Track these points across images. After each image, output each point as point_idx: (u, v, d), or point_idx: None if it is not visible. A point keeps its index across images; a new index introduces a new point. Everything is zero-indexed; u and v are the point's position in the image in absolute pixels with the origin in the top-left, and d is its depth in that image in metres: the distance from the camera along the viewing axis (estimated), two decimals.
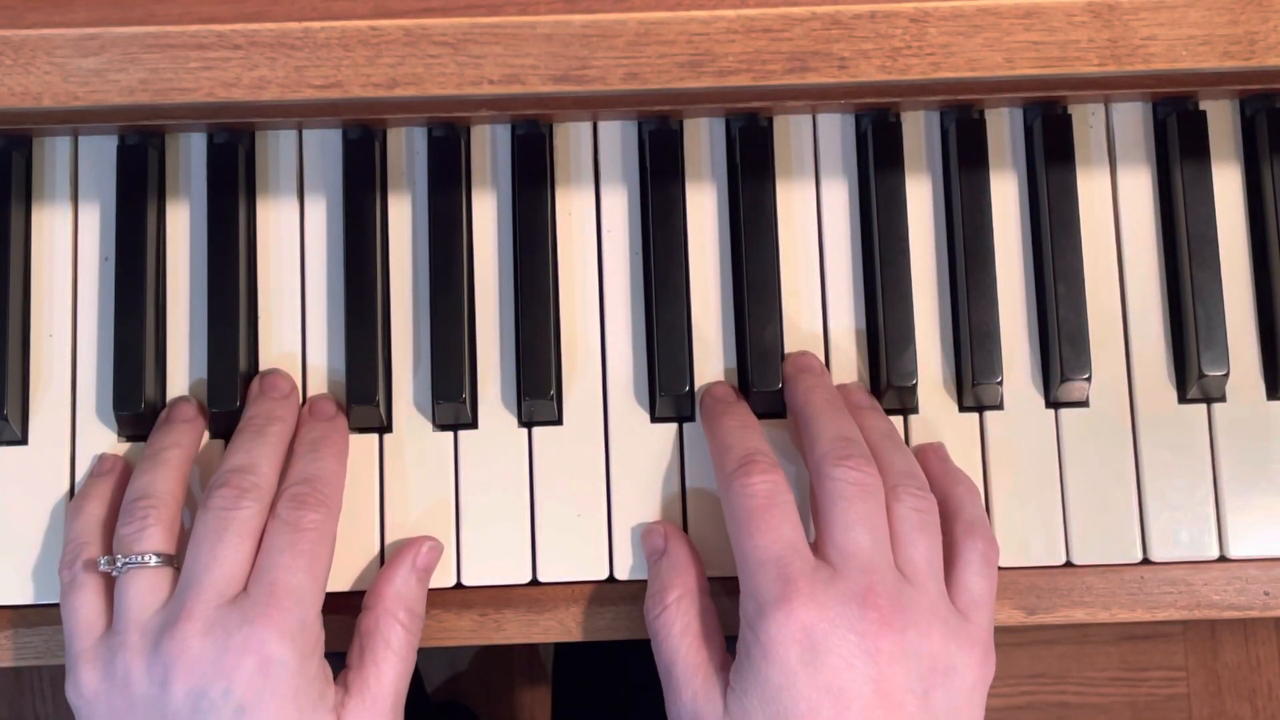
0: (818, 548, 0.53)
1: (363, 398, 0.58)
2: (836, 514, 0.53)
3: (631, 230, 0.61)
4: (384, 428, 0.59)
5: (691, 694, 0.53)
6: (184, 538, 0.56)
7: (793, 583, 0.51)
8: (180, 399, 0.59)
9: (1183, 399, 0.60)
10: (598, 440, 0.59)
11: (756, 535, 0.53)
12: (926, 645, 0.52)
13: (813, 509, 0.55)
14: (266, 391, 0.59)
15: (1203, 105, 0.61)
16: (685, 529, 0.59)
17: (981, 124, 0.61)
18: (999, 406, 0.60)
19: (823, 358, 0.60)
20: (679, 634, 0.54)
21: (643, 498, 0.59)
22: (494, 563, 0.59)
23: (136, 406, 0.58)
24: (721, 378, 0.60)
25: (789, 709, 0.50)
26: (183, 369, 0.60)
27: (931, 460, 0.58)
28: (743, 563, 0.53)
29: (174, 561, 0.54)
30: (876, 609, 0.51)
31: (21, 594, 0.58)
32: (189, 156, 0.61)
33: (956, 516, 0.56)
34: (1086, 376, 0.58)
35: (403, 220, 0.61)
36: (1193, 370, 0.59)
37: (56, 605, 0.56)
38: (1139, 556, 0.59)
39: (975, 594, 0.55)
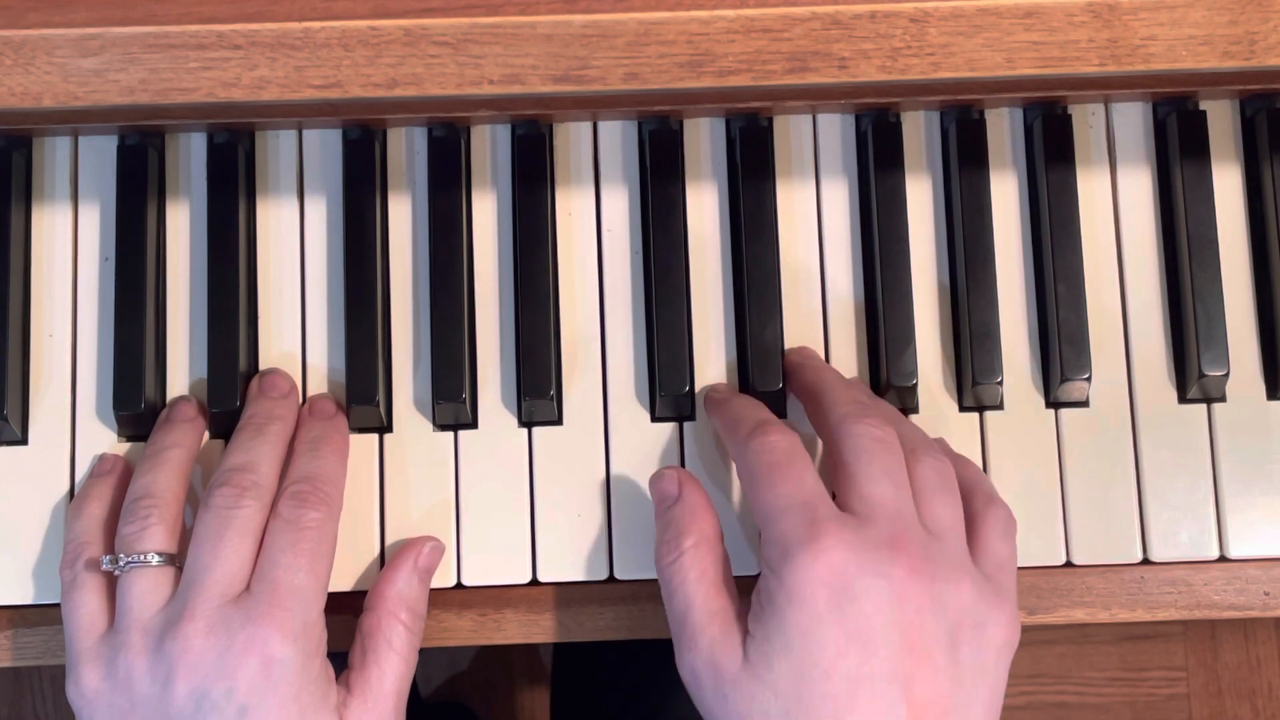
0: (841, 502, 0.52)
1: (363, 398, 0.58)
2: (861, 466, 0.52)
3: (631, 230, 0.61)
4: (384, 428, 0.59)
5: (709, 640, 0.51)
6: (185, 537, 0.56)
7: (820, 524, 0.50)
8: (180, 398, 0.59)
9: (1183, 399, 0.60)
10: (598, 440, 0.59)
11: (780, 484, 0.52)
12: (955, 599, 0.50)
13: (834, 467, 0.54)
14: (266, 391, 0.59)
15: (1203, 105, 0.61)
16: None
17: (981, 124, 0.61)
18: (999, 406, 0.60)
19: (823, 357, 0.60)
20: (695, 580, 0.52)
21: (643, 498, 0.59)
22: (494, 562, 0.59)
23: (136, 406, 0.58)
24: (722, 378, 0.60)
25: (815, 654, 0.49)
26: (183, 369, 0.60)
27: None
28: (765, 512, 0.52)
29: (176, 561, 0.54)
30: (907, 553, 0.50)
31: (21, 594, 0.58)
32: (189, 156, 0.61)
33: (974, 490, 0.56)
34: (1086, 376, 0.58)
35: (403, 220, 0.61)
36: (1193, 370, 0.59)
37: (56, 605, 0.56)
38: (1139, 556, 0.59)
39: (1001, 556, 0.54)
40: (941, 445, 0.59)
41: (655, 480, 0.57)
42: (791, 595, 0.49)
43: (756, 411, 0.56)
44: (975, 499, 0.55)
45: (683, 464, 0.59)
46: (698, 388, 0.60)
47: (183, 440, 0.57)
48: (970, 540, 0.54)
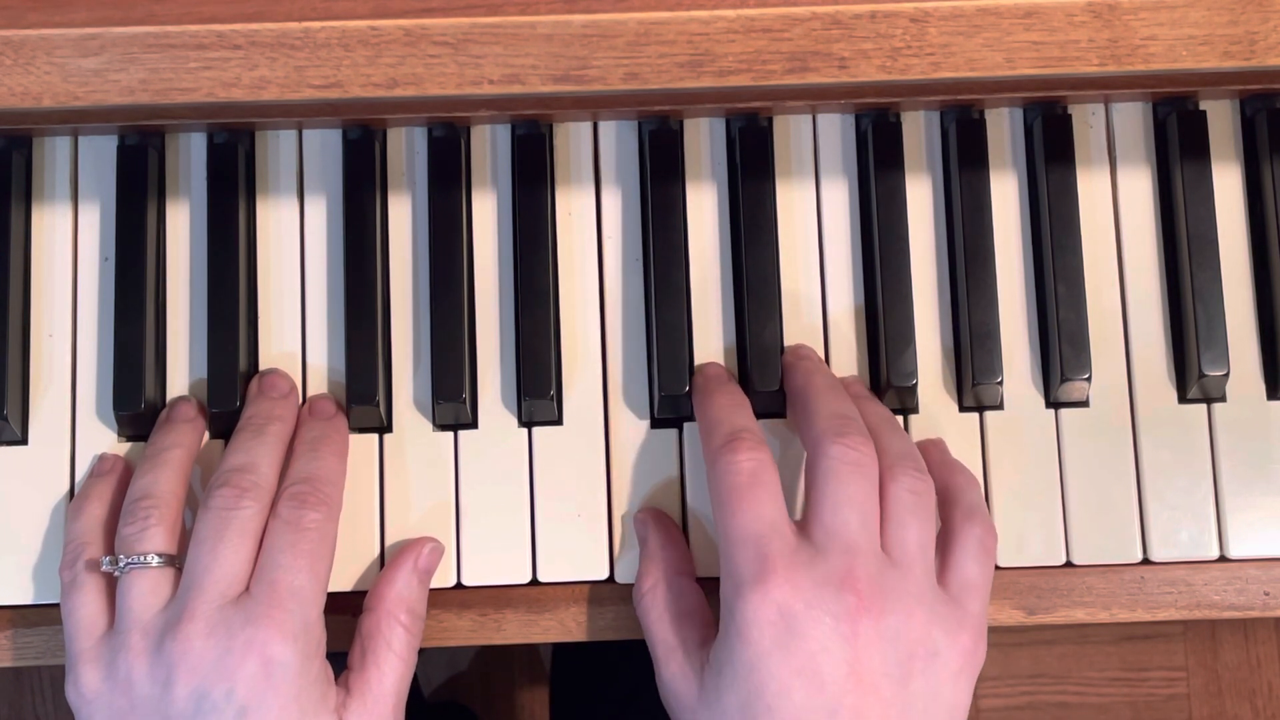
0: (805, 525, 0.53)
1: (363, 398, 0.58)
2: (828, 493, 0.53)
3: (632, 230, 0.61)
4: (384, 428, 0.59)
5: (670, 674, 0.54)
6: (186, 538, 0.56)
7: (769, 562, 0.51)
8: (180, 398, 0.59)
9: (1183, 399, 0.60)
10: (598, 440, 0.59)
11: (738, 514, 0.53)
12: (907, 629, 0.51)
13: (806, 485, 0.55)
14: (265, 391, 0.59)
15: (1203, 105, 0.61)
16: (685, 529, 0.59)
17: (981, 124, 0.61)
18: (999, 406, 0.60)
19: (823, 357, 0.60)
20: (655, 619, 0.56)
21: (643, 498, 0.59)
22: (494, 563, 0.59)
23: (136, 406, 0.58)
24: None
25: (760, 689, 0.50)
26: (183, 369, 0.60)
27: (931, 452, 0.58)
28: (723, 541, 0.53)
29: (176, 562, 0.54)
30: (854, 592, 0.51)
31: (21, 594, 0.58)
32: (189, 156, 0.61)
33: (956, 503, 0.56)
34: (1086, 376, 0.58)
35: (403, 220, 0.61)
36: (1193, 370, 0.59)
37: (56, 605, 0.56)
38: (1139, 556, 0.59)
39: (969, 578, 0.54)
40: (938, 447, 0.59)
41: (633, 523, 0.59)
42: (741, 632, 0.51)
43: (733, 417, 0.56)
44: (955, 512, 0.56)
45: (681, 465, 0.59)
46: None
47: (183, 440, 0.57)
48: (942, 558, 0.55)
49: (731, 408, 0.56)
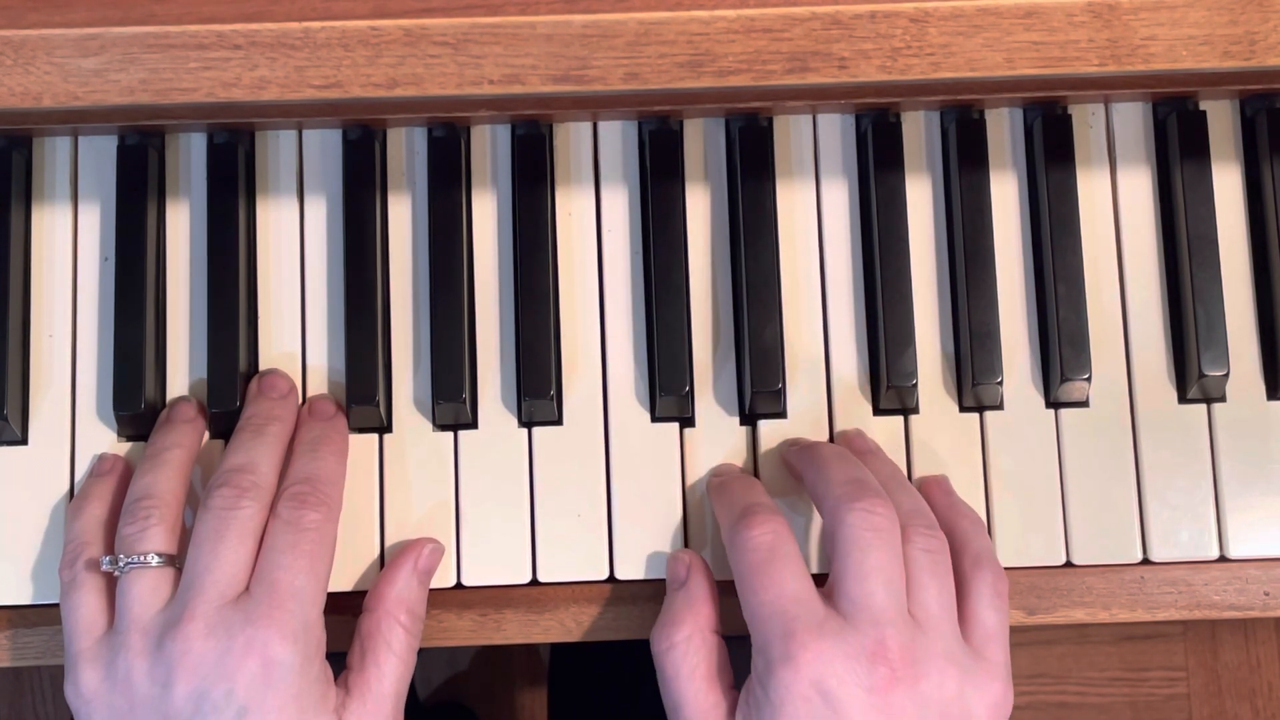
0: (831, 594, 0.52)
1: (363, 398, 0.58)
2: (852, 564, 0.52)
3: (631, 230, 0.61)
4: (384, 428, 0.59)
5: None
6: (186, 538, 0.56)
7: (797, 638, 0.50)
8: (180, 399, 0.59)
9: (1183, 399, 0.60)
10: (598, 440, 0.59)
11: (760, 591, 0.52)
12: (940, 693, 0.51)
13: (829, 552, 0.54)
14: (265, 391, 0.59)
15: (1203, 105, 0.61)
16: (684, 529, 0.59)
17: (981, 124, 0.61)
18: (999, 406, 0.60)
19: (823, 357, 0.60)
20: (688, 674, 0.53)
21: (643, 498, 0.59)
22: (494, 563, 0.59)
23: (136, 407, 0.58)
24: (722, 378, 0.60)
25: None
26: (183, 369, 0.60)
27: (935, 493, 0.58)
28: (750, 618, 0.52)
29: (176, 562, 0.54)
30: (887, 663, 0.50)
31: (21, 594, 0.58)
32: (189, 156, 0.61)
33: (964, 550, 0.55)
34: (1086, 376, 0.58)
35: (403, 220, 0.61)
36: (1193, 370, 0.59)
37: (56, 605, 0.56)
38: (1139, 556, 0.59)
39: (988, 627, 0.54)
40: (942, 488, 0.58)
41: (669, 560, 0.57)
42: (775, 708, 0.50)
43: (746, 494, 0.55)
44: (964, 560, 0.55)
45: (682, 465, 0.59)
46: (698, 388, 0.60)
47: (183, 441, 0.57)
48: (959, 610, 0.54)
49: (744, 488, 0.56)
